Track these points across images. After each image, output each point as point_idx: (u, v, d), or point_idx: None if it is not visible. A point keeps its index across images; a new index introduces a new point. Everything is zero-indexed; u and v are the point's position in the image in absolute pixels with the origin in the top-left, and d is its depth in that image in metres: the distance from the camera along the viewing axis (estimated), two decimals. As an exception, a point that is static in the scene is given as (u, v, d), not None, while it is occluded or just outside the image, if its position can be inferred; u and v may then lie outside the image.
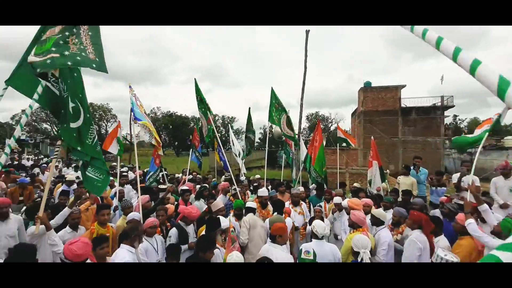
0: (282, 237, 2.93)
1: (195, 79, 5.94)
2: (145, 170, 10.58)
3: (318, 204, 5.08)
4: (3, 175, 8.37)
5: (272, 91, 6.97)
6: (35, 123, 48.63)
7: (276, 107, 6.96)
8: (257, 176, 8.92)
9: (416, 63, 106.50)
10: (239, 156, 8.24)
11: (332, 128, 52.44)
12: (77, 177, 7.29)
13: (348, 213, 4.00)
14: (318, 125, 7.34)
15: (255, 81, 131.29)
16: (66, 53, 2.40)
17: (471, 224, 3.04)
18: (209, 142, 7.03)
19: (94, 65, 2.53)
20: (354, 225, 3.46)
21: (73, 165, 13.17)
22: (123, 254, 2.58)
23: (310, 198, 5.86)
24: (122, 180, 6.83)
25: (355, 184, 7.80)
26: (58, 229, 3.34)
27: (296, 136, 7.18)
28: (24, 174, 9.45)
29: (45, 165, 12.50)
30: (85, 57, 2.51)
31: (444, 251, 2.59)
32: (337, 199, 4.70)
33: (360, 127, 24.66)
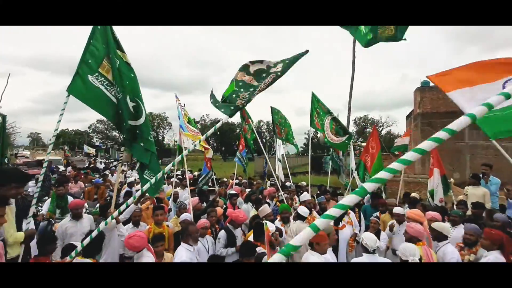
0: (320, 245, 2.86)
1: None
2: (195, 174, 11.31)
3: (375, 215, 4.73)
4: (82, 176, 9.88)
5: (313, 95, 6.88)
6: (107, 131, 55.97)
7: (318, 112, 6.84)
8: (303, 182, 8.80)
9: (484, 57, 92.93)
10: (280, 163, 8.33)
11: (383, 132, 48.79)
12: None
13: None
14: (373, 131, 6.95)
15: (300, 85, 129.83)
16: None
17: None
18: (253, 148, 7.28)
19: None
20: (413, 239, 3.10)
21: (137, 167, 14.72)
22: (181, 253, 2.92)
23: (364, 207, 5.51)
24: (176, 183, 7.44)
25: (413, 194, 7.10)
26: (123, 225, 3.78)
27: (346, 142, 6.89)
28: (98, 176, 10.96)
29: (114, 167, 14.25)
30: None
31: None
32: (398, 210, 4.30)
33: (417, 131, 22.38)
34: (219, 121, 2.99)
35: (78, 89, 2.74)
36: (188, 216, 3.94)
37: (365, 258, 2.87)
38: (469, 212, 4.78)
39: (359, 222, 5.02)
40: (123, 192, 6.59)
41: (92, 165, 17.34)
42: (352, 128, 51.21)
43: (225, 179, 9.82)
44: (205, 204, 4.99)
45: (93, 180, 8.51)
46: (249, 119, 7.54)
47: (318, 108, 6.84)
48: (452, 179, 7.20)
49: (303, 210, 4.15)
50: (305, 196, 5.05)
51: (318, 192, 7.30)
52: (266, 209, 4.16)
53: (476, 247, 3.21)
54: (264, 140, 60.63)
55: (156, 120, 55.93)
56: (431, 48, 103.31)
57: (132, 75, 3.17)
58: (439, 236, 3.21)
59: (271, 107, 7.78)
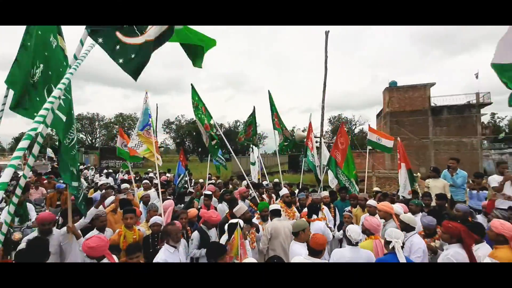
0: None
1: (191, 84, 5.54)
2: (168, 175, 10.94)
3: (348, 210, 4.88)
4: (45, 181, 9.12)
5: (270, 96, 7.01)
6: (72, 133, 52.57)
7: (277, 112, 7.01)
8: (276, 180, 8.90)
9: (447, 60, 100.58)
10: (254, 164, 8.33)
11: (356, 130, 50.89)
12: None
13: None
14: (341, 128, 7.12)
15: (277, 85, 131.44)
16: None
17: None
18: (216, 148, 6.72)
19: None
20: (366, 232, 3.29)
21: (104, 171, 13.96)
22: (160, 254, 2.82)
23: (334, 203, 5.60)
24: (146, 185, 7.11)
25: (375, 189, 7.41)
26: (86, 232, 3.52)
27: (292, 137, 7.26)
28: (62, 180, 10.19)
29: (80, 172, 13.35)
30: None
31: None
32: (371, 202, 4.47)
33: (386, 129, 23.61)
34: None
35: (16, 79, 2.35)
36: (159, 219, 3.75)
37: (347, 250, 2.92)
38: (433, 203, 5.07)
39: (334, 217, 5.16)
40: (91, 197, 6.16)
41: (55, 170, 16.14)
42: (327, 127, 52.90)
43: (201, 180, 9.62)
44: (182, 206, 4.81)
45: (56, 186, 7.88)
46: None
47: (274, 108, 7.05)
48: (418, 173, 7.63)
49: (275, 206, 4.18)
50: (284, 190, 5.19)
51: (298, 189, 7.39)
52: (242, 207, 4.09)
53: (435, 236, 3.48)
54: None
55: (127, 121, 53.56)
56: (399, 51, 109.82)
57: (65, 63, 2.70)
58: (407, 227, 3.34)
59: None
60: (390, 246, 2.63)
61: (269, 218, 4.16)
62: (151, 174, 11.04)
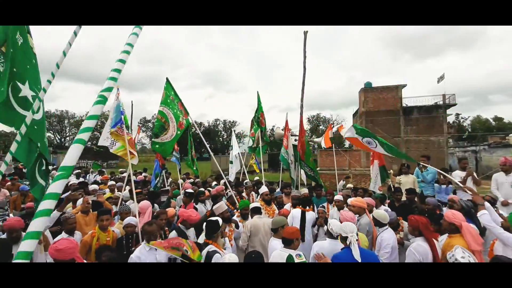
0: (299, 241, 2.84)
1: (167, 78, 5.26)
2: (146, 175, 10.58)
3: (321, 205, 5.02)
4: (8, 183, 8.46)
5: (258, 96, 7.09)
6: (39, 132, 49.20)
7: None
8: (256, 178, 8.97)
9: (416, 64, 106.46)
10: (233, 163, 8.33)
11: (334, 129, 52.43)
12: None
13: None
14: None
15: (258, 84, 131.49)
16: None
17: (485, 215, 2.97)
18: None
19: None
20: None
21: (74, 172, 13.20)
22: (136, 252, 2.77)
23: (311, 199, 5.70)
24: (112, 187, 6.83)
25: (348, 185, 7.72)
26: (54, 236, 3.33)
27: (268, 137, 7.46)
28: (27, 182, 9.51)
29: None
30: None
31: (464, 253, 2.30)
32: (338, 197, 4.79)
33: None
34: None
35: None
36: (133, 220, 3.62)
37: (327, 243, 2.97)
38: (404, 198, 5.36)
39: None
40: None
41: (19, 171, 15.01)
42: (306, 126, 53.94)
43: (180, 181, 9.41)
44: (157, 207, 4.67)
45: (20, 187, 7.34)
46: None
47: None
48: (391, 170, 8.01)
49: (255, 204, 4.22)
50: (263, 189, 5.23)
51: (278, 187, 7.48)
52: (222, 206, 4.06)
53: (399, 229, 3.75)
54: (221, 138, 60.03)
55: (100, 119, 51.07)
56: (373, 54, 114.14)
57: (34, 61, 2.69)
58: (379, 223, 3.50)
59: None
60: (348, 242, 2.62)
61: (249, 215, 4.17)
62: (124, 174, 10.62)
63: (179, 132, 5.00)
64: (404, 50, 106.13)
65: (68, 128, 53.84)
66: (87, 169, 17.82)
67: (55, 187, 1.23)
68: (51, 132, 49.56)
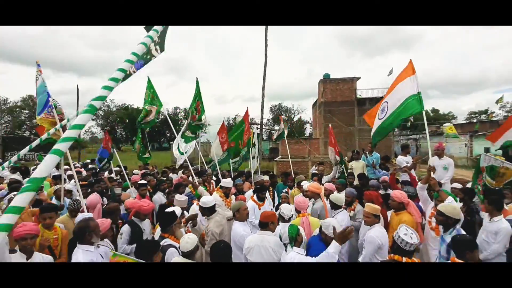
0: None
1: (148, 77, 5.87)
2: (93, 166, 9.70)
3: (285, 191, 5.35)
4: None
5: (197, 83, 6.67)
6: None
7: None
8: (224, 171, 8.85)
9: (366, 61, 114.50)
10: (178, 151, 8.10)
11: (295, 119, 54.04)
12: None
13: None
14: (222, 124, 7.53)
15: (221, 74, 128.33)
16: None
17: (423, 187, 3.67)
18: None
19: None
20: (297, 210, 3.60)
21: (9, 164, 11.52)
22: (76, 256, 2.39)
23: (277, 185, 6.22)
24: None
25: (312, 170, 8.06)
26: None
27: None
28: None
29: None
30: None
31: (407, 231, 2.33)
32: (305, 183, 4.90)
33: (321, 117, 25.73)
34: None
35: None
36: (87, 215, 3.26)
37: (281, 226, 3.07)
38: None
39: (273, 199, 5.50)
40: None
41: None
42: (268, 115, 54.76)
43: (135, 171, 8.82)
44: (105, 200, 4.27)
45: None
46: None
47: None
48: (346, 157, 8.53)
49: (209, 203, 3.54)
50: (225, 181, 4.92)
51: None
52: (184, 202, 3.88)
53: (354, 205, 4.08)
54: (181, 127, 57.81)
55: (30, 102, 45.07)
56: (329, 51, 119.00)
57: None
58: (334, 206, 3.77)
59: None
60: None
61: (208, 218, 3.53)
62: (76, 165, 9.60)
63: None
64: (356, 48, 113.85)
65: (0, 115, 46.54)
66: (28, 162, 15.74)
67: (20, 200, 1.05)
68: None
